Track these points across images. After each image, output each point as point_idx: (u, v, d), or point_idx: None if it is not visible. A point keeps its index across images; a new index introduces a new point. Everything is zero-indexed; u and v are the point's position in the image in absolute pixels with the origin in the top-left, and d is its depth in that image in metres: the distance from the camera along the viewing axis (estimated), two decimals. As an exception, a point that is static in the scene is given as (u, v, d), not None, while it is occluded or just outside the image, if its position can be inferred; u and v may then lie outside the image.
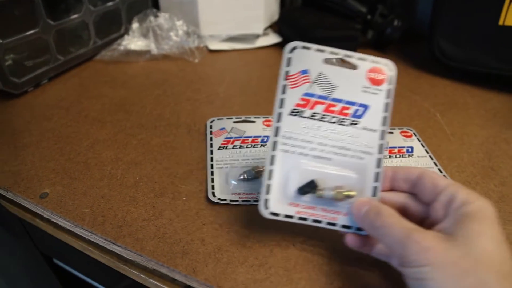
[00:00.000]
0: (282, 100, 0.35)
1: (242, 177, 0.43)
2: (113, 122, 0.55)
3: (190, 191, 0.43)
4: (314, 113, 0.34)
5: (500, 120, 0.59)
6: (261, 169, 0.44)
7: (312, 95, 0.35)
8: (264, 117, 0.55)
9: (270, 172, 0.34)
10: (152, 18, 0.76)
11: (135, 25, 0.76)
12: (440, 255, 0.25)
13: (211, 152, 0.48)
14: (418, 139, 0.52)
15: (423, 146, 0.51)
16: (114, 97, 0.62)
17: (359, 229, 0.33)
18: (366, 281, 0.34)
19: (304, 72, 0.35)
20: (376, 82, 0.35)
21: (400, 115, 0.59)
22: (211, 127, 0.53)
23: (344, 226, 0.33)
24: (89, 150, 0.49)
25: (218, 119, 0.55)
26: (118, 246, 0.37)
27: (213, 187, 0.43)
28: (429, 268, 0.25)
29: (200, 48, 0.78)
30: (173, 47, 0.75)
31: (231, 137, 0.50)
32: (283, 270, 0.34)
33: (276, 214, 0.33)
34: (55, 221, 0.41)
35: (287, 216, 0.33)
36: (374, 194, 0.33)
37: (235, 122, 0.54)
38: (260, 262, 0.35)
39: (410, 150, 0.50)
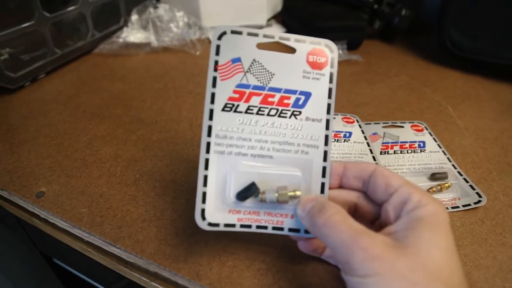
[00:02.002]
0: (212, 95, 0.30)
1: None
2: (111, 117, 0.53)
3: (193, 189, 0.41)
4: (250, 106, 0.30)
5: (513, 112, 0.57)
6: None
7: (246, 86, 0.30)
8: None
9: (205, 177, 0.30)
10: (151, 9, 0.73)
11: (134, 17, 0.74)
12: (388, 265, 0.23)
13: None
14: (430, 133, 0.50)
15: (435, 141, 0.48)
16: (113, 91, 0.60)
17: (307, 231, 0.30)
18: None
19: (236, 60, 0.30)
20: (317, 66, 0.31)
21: (410, 108, 0.57)
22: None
23: (291, 230, 0.30)
24: (87, 146, 0.47)
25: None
26: (118, 248, 0.35)
27: (216, 185, 0.41)
28: (375, 279, 0.23)
29: (202, 40, 0.76)
30: (174, 39, 0.72)
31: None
32: (292, 274, 0.33)
33: (216, 225, 0.30)
34: (53, 221, 0.39)
35: (227, 225, 0.30)
36: (322, 191, 0.30)
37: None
38: (268, 266, 0.33)
39: (422, 145, 0.48)
